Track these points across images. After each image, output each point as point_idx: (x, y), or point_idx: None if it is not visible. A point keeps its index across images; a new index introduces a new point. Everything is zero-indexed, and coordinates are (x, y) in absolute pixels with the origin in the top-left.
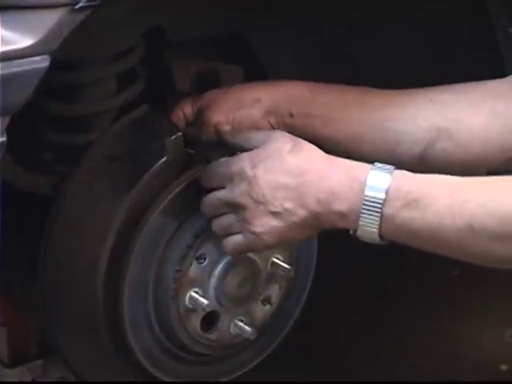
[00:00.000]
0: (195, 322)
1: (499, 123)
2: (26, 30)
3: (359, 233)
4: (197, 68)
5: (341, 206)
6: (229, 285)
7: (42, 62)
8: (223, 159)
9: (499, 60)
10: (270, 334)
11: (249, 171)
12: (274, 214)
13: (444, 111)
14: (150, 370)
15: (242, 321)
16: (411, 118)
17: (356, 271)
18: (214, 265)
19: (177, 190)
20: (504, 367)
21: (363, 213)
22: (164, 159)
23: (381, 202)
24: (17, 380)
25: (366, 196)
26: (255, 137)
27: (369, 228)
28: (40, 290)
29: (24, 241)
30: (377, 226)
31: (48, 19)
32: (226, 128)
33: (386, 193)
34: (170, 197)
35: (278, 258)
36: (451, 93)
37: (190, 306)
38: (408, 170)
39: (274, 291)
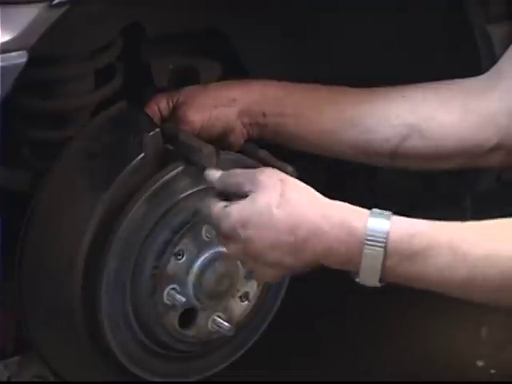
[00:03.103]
0: (173, 319)
1: (471, 120)
2: (3, 25)
3: (359, 279)
4: (175, 64)
5: (339, 259)
6: (207, 281)
7: (19, 58)
8: (217, 208)
9: (478, 60)
10: (248, 330)
11: (241, 232)
12: (273, 265)
13: (416, 108)
14: (128, 367)
15: (220, 317)
16: (383, 115)
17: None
18: (192, 261)
19: (155, 186)
20: (480, 363)
21: (363, 264)
22: (142, 155)
23: (381, 254)
24: None
25: (366, 249)
26: (243, 181)
27: (369, 277)
28: (17, 286)
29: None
30: (377, 276)
31: (25, 15)
32: (216, 176)
33: (386, 244)
34: (148, 193)
35: None
36: (424, 90)
37: (168, 302)
38: (380, 165)
39: (252, 288)
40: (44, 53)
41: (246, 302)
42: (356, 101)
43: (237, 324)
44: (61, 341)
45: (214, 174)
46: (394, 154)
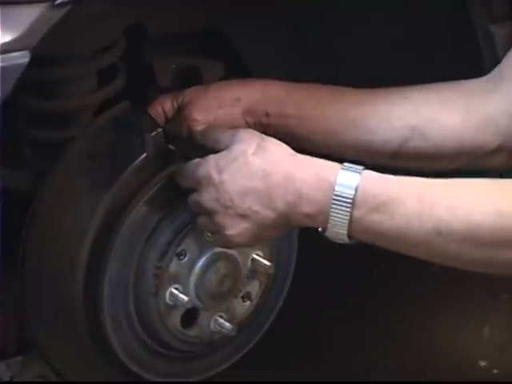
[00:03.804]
0: (175, 319)
1: (473, 122)
2: (5, 25)
3: (328, 233)
4: (177, 64)
5: (308, 208)
6: (209, 281)
7: (21, 58)
8: (193, 161)
9: (481, 60)
10: (250, 330)
11: (215, 176)
12: (243, 216)
13: (418, 110)
14: (130, 367)
15: (222, 317)
16: (385, 117)
17: (335, 268)
18: (194, 261)
19: (157, 186)
20: (482, 363)
21: (332, 215)
22: (144, 155)
23: (349, 204)
24: None
25: (335, 198)
26: (223, 137)
27: (337, 229)
28: (19, 286)
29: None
30: (345, 228)
31: (28, 15)
32: (198, 128)
33: (355, 195)
34: (150, 193)
35: (258, 255)
36: (426, 91)
37: (171, 302)
38: (381, 166)
39: (254, 288)
40: (46, 53)
41: (248, 302)
42: (357, 102)
43: (239, 324)
44: (63, 341)
45: (199, 128)
46: (396, 154)
